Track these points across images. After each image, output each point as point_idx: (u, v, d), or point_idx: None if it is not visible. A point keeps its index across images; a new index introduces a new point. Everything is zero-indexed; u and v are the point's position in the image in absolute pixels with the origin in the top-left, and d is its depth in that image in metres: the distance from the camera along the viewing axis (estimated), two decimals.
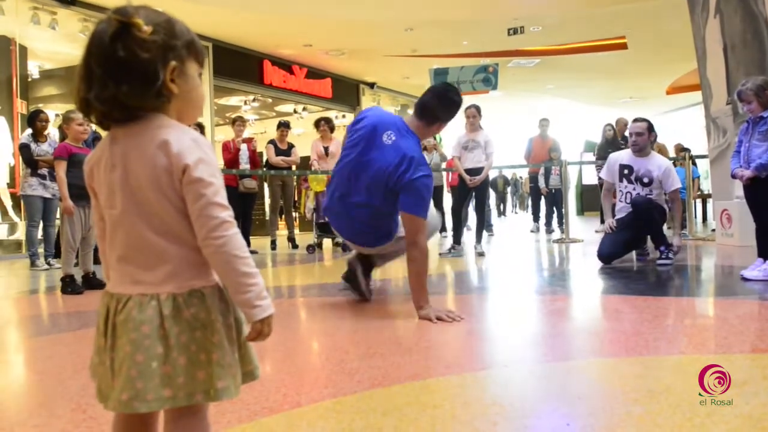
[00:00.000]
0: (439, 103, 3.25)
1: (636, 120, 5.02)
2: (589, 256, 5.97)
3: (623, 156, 5.07)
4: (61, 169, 4.38)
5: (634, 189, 4.94)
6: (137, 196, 1.03)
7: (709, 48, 6.88)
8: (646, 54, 12.99)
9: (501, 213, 19.05)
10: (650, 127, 4.95)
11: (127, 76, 0.99)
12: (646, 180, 4.90)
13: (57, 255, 6.22)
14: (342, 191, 3.28)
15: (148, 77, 1.01)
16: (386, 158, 3.08)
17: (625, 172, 4.98)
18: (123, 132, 1.05)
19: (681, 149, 9.04)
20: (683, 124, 17.80)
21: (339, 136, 7.54)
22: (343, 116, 16.25)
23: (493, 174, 12.47)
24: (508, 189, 17.47)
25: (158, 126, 1.04)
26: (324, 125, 7.85)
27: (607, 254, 4.97)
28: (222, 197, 1.03)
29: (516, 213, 21.45)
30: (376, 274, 4.94)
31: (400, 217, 3.14)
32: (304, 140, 10.34)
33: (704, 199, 10.23)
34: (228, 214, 1.03)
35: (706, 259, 5.33)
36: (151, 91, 1.02)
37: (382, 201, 3.15)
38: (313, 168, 7.87)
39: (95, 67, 1.00)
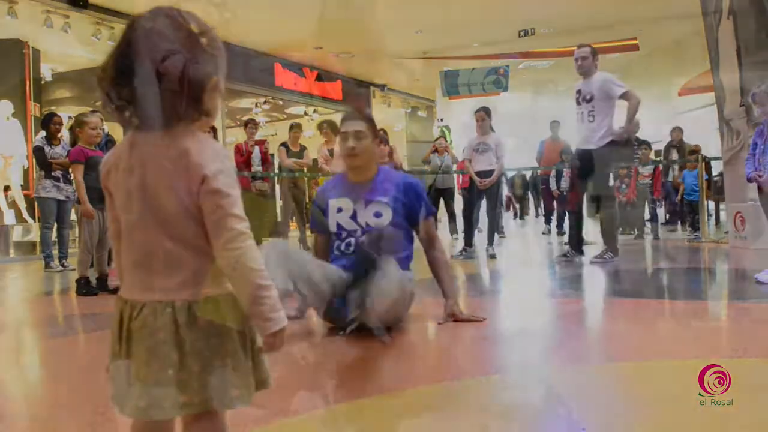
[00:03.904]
0: None
1: (580, 46, 5.35)
2: None
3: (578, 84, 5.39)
4: (79, 172, 4.38)
5: (580, 110, 5.26)
6: (154, 202, 1.03)
7: (722, 49, 6.83)
8: (657, 55, 12.92)
9: (517, 215, 17.05)
10: (593, 52, 5.25)
11: (187, 89, 1.00)
12: (588, 97, 5.19)
13: None
14: None
15: (202, 92, 1.03)
16: None
17: (576, 96, 5.32)
18: (143, 138, 1.04)
19: (691, 151, 8.95)
20: (695, 126, 17.63)
21: None
22: None
23: (510, 173, 12.41)
24: (529, 192, 15.36)
25: (179, 134, 1.03)
26: (326, 128, 7.86)
27: None
28: (239, 208, 1.02)
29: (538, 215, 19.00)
30: None
31: None
32: (314, 142, 10.39)
33: (717, 201, 10.13)
34: (245, 225, 1.03)
35: (719, 262, 5.29)
36: (203, 107, 1.03)
37: None
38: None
39: (149, 71, 0.98)
